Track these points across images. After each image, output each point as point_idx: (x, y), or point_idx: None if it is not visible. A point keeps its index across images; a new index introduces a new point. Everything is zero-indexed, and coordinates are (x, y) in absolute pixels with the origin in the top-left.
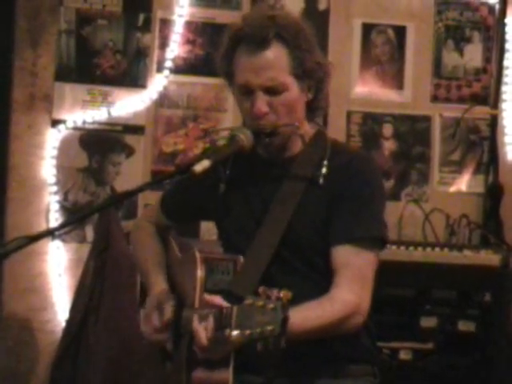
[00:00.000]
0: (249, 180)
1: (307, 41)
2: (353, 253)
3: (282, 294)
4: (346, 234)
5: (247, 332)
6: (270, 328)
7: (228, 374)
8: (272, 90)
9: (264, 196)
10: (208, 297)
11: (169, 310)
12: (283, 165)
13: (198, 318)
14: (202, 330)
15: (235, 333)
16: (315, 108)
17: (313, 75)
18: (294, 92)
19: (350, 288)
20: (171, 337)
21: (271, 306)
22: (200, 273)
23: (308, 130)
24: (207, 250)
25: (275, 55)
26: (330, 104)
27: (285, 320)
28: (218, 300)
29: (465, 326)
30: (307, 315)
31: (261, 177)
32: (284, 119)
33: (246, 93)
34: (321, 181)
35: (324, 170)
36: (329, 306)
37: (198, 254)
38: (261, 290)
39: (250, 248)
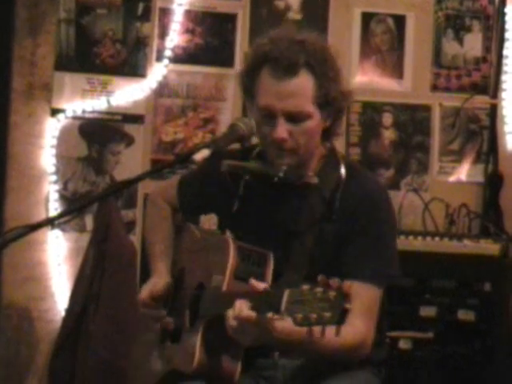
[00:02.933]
0: (263, 203)
1: (333, 69)
2: (362, 288)
3: (343, 285)
4: (356, 272)
5: (299, 316)
6: (328, 315)
7: (237, 366)
8: (294, 118)
9: (279, 226)
10: (254, 282)
11: (161, 289)
12: (297, 192)
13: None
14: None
15: (284, 316)
16: (331, 134)
17: (335, 104)
18: (315, 120)
19: (360, 320)
20: (174, 315)
21: (333, 293)
22: (232, 259)
23: (321, 151)
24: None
25: (302, 84)
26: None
27: (345, 311)
28: (263, 286)
29: (464, 315)
30: (329, 332)
31: (275, 202)
32: (302, 147)
33: (266, 116)
34: (334, 216)
35: (337, 204)
36: (347, 331)
37: (231, 240)
38: (320, 278)
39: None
